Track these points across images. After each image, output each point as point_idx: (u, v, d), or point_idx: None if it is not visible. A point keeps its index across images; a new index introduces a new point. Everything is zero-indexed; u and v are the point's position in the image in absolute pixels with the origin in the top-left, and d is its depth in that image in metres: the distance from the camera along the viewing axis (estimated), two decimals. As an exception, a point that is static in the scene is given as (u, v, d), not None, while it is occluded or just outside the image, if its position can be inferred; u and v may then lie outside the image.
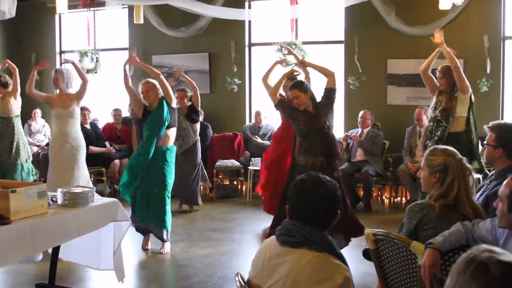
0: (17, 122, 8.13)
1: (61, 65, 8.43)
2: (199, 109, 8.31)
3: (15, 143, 8.00)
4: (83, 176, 7.26)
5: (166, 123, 6.20)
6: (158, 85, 6.27)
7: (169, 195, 6.35)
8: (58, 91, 7.46)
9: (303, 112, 5.73)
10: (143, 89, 6.27)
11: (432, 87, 6.77)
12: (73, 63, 7.47)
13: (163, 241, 6.33)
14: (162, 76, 6.31)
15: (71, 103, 7.20)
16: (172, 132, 6.38)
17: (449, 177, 3.27)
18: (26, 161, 8.17)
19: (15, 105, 8.05)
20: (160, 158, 6.24)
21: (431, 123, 6.71)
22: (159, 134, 6.18)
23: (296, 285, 2.37)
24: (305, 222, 2.47)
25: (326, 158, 5.68)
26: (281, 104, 6.03)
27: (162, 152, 6.25)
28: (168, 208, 6.32)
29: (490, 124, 3.81)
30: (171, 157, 6.36)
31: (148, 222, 6.28)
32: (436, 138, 6.48)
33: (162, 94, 6.27)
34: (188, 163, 8.18)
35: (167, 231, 6.35)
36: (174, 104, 6.35)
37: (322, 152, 5.68)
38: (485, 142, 3.80)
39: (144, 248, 6.41)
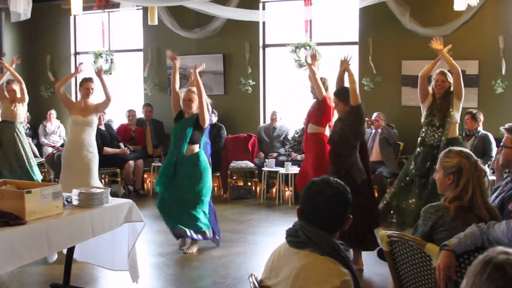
0: (21, 128, 8.31)
1: (76, 67, 8.29)
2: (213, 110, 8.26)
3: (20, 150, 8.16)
4: (97, 184, 7.23)
5: (187, 139, 6.14)
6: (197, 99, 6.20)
7: (202, 200, 6.26)
8: (80, 99, 7.33)
9: None
10: (185, 97, 6.25)
11: (425, 94, 6.51)
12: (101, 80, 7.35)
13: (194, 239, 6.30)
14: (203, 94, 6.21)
15: (90, 113, 7.16)
16: (195, 146, 6.25)
17: (464, 179, 3.25)
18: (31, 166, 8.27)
19: (22, 111, 8.24)
20: (188, 164, 6.19)
21: (424, 129, 6.50)
22: (181, 145, 6.15)
23: (295, 286, 2.36)
24: (311, 223, 2.46)
25: None
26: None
27: (189, 159, 6.19)
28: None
29: (507, 125, 3.77)
30: (200, 163, 6.22)
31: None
32: (432, 143, 6.35)
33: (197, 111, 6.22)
34: None
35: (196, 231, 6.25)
36: (205, 124, 6.20)
37: None
38: (501, 144, 3.76)
39: (181, 248, 6.41)
